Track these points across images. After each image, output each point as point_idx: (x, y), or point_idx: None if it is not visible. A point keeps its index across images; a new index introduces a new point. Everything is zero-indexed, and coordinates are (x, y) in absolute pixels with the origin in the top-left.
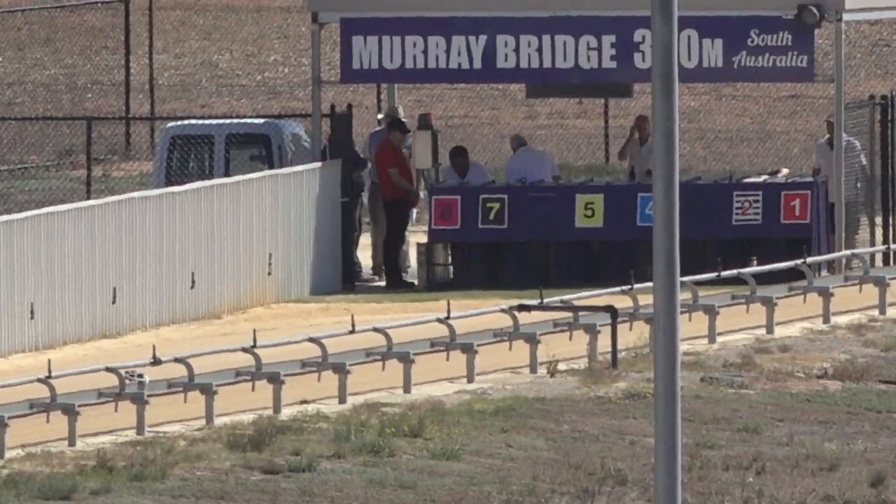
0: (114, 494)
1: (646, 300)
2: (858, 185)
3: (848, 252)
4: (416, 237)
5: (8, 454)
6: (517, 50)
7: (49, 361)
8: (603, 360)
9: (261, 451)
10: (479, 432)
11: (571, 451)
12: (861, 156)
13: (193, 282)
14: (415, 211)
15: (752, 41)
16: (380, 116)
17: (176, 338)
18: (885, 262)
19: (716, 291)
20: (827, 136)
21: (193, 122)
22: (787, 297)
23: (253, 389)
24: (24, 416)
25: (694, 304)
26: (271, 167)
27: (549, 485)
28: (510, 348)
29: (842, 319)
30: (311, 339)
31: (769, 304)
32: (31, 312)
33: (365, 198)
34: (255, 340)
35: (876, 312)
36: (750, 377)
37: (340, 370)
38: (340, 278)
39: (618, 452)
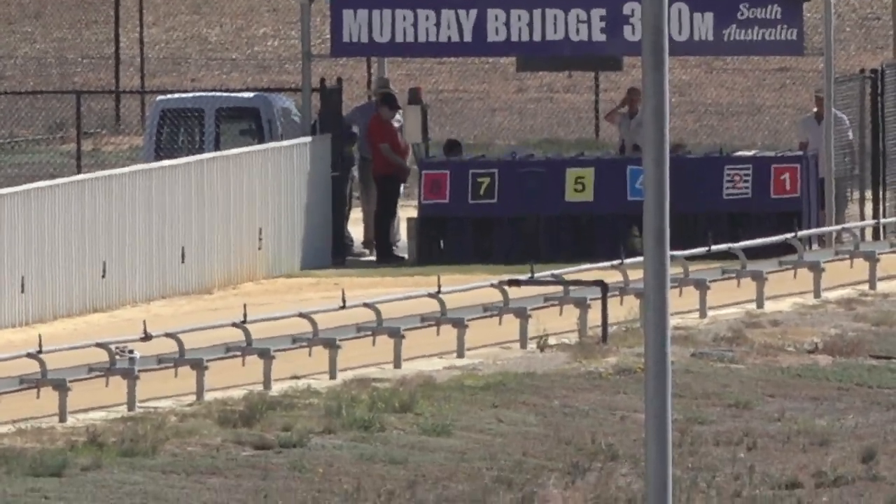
0: (104, 470)
1: (636, 275)
2: (846, 159)
3: (838, 227)
4: (406, 212)
5: None
6: (507, 23)
7: (39, 336)
8: (593, 334)
9: (251, 426)
10: (469, 407)
11: (562, 426)
12: (849, 131)
13: (183, 256)
14: (402, 186)
15: (742, 14)
16: (370, 95)
17: (166, 313)
18: (875, 236)
19: (706, 266)
20: (814, 110)
21: (183, 95)
22: (777, 271)
23: (243, 365)
24: (15, 391)
25: (684, 279)
26: (261, 141)
27: (540, 460)
28: (500, 323)
29: (832, 294)
30: (301, 315)
31: (759, 278)
32: (22, 286)
33: (356, 172)
34: (245, 316)
35: (866, 287)
36: (740, 352)
37: (331, 345)
38: (331, 253)
39: (608, 427)
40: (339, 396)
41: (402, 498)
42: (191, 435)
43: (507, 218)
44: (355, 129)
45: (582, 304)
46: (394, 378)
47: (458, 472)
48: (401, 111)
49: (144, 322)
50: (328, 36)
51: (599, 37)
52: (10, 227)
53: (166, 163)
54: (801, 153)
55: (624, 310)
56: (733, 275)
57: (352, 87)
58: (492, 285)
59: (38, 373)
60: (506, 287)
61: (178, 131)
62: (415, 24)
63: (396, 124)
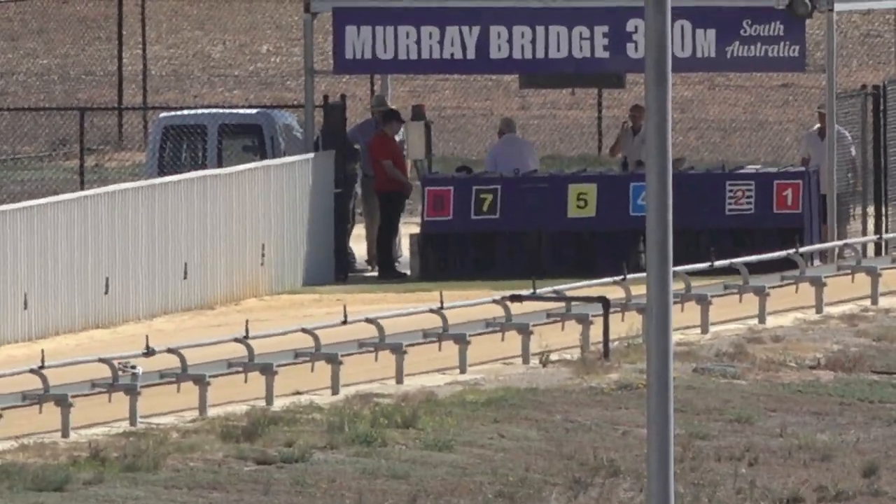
0: (107, 485)
1: (638, 290)
2: (849, 175)
3: (840, 242)
4: (408, 228)
5: (1, 445)
6: (510, 40)
7: (42, 352)
8: (595, 350)
9: (253, 441)
10: (471, 423)
11: (564, 441)
12: (851, 147)
13: (186, 272)
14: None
15: (745, 31)
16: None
17: (169, 328)
18: (877, 252)
19: (708, 281)
20: (817, 125)
21: (186, 112)
22: (779, 286)
23: (246, 380)
24: (18, 406)
25: (686, 294)
26: (264, 158)
27: (542, 475)
28: (503, 339)
29: (834, 309)
30: (303, 330)
31: (761, 293)
32: (25, 303)
33: (358, 189)
34: (247, 331)
35: (868, 302)
36: (742, 367)
37: (333, 361)
38: (333, 269)
39: (610, 443)
40: (342, 412)
41: None
42: (193, 450)
43: (509, 234)
44: (357, 146)
45: (584, 320)
46: (396, 393)
47: (460, 487)
48: (403, 127)
49: (147, 338)
50: (331, 52)
51: (602, 54)
52: (13, 243)
53: (169, 179)
54: (802, 169)
55: (625, 326)
56: (735, 290)
57: (354, 104)
58: (494, 301)
59: (40, 388)
60: (508, 303)
61: (181, 148)
62: (418, 41)
63: (398, 138)
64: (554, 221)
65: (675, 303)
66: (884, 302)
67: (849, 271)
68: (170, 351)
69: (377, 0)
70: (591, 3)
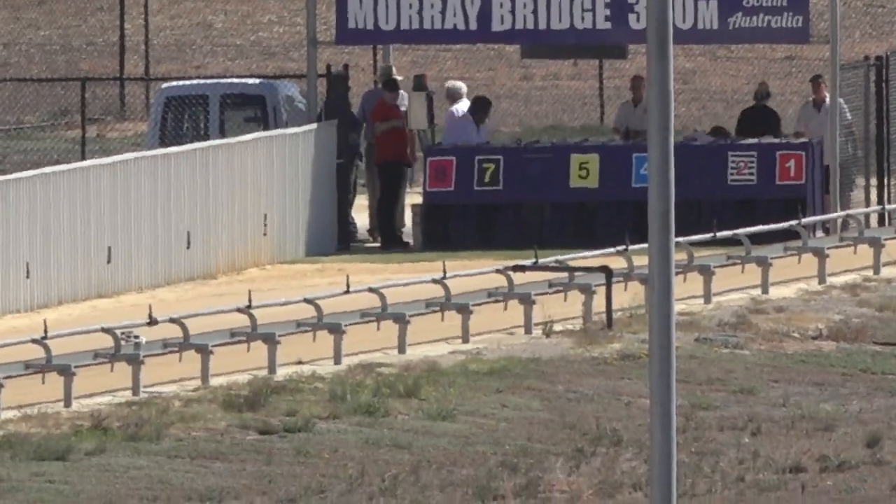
0: (109, 455)
1: (640, 261)
2: (848, 145)
3: (843, 213)
4: (411, 198)
5: (4, 415)
6: (513, 11)
7: (45, 322)
8: (598, 320)
9: (256, 411)
10: (473, 393)
11: (566, 411)
12: (848, 117)
13: (189, 242)
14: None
15: (748, 2)
16: (377, 81)
17: (171, 298)
18: (880, 222)
19: (711, 252)
20: (812, 97)
21: (188, 82)
22: (782, 257)
23: (248, 350)
24: (20, 376)
25: (689, 265)
26: (266, 128)
27: (544, 445)
28: (505, 309)
29: (837, 280)
30: (306, 300)
31: (764, 264)
32: (27, 272)
33: (360, 161)
34: (250, 301)
35: (870, 273)
36: (745, 338)
37: (336, 331)
38: (336, 239)
39: (613, 413)
40: (344, 381)
41: (406, 483)
42: (195, 420)
43: (511, 204)
44: (358, 114)
45: (587, 290)
46: (398, 363)
47: (463, 456)
48: (405, 97)
49: (150, 307)
50: (334, 22)
51: (604, 24)
52: (15, 213)
53: (171, 149)
54: (805, 140)
55: (628, 296)
56: (738, 261)
57: (357, 74)
58: (496, 271)
59: (43, 358)
60: (510, 273)
61: (183, 118)
62: (420, 12)
63: (402, 108)
64: (556, 192)
65: (677, 273)
66: (886, 272)
67: (851, 242)
68: (172, 320)
69: None
70: None
